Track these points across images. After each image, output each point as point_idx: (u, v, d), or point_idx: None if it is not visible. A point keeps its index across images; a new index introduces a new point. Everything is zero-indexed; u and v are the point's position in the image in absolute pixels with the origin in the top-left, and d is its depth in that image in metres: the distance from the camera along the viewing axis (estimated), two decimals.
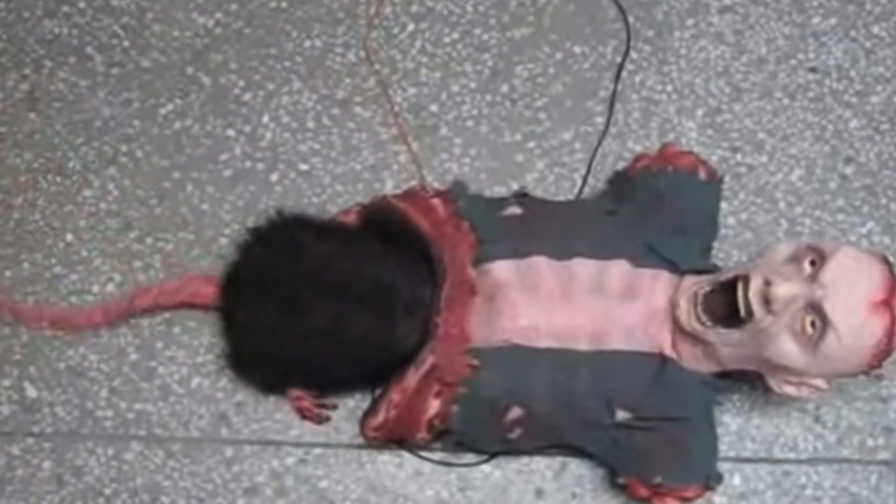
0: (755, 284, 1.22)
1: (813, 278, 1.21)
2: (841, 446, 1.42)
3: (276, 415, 1.44)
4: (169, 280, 1.45)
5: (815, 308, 1.20)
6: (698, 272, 1.33)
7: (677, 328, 1.29)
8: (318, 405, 1.42)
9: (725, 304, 1.25)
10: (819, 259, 1.22)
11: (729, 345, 1.26)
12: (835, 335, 1.20)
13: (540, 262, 1.31)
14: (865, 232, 1.48)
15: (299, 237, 1.36)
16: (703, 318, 1.25)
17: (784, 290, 1.19)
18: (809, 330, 1.21)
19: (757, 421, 1.42)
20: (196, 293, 1.42)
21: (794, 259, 1.24)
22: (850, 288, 1.20)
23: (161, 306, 1.44)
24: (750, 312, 1.22)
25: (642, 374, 1.30)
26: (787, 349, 1.23)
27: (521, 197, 1.41)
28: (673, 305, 1.29)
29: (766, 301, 1.20)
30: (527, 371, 1.29)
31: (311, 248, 1.34)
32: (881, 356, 1.23)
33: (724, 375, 1.33)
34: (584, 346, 1.29)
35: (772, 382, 1.30)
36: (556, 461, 1.42)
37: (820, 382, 1.28)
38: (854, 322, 1.20)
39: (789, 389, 1.29)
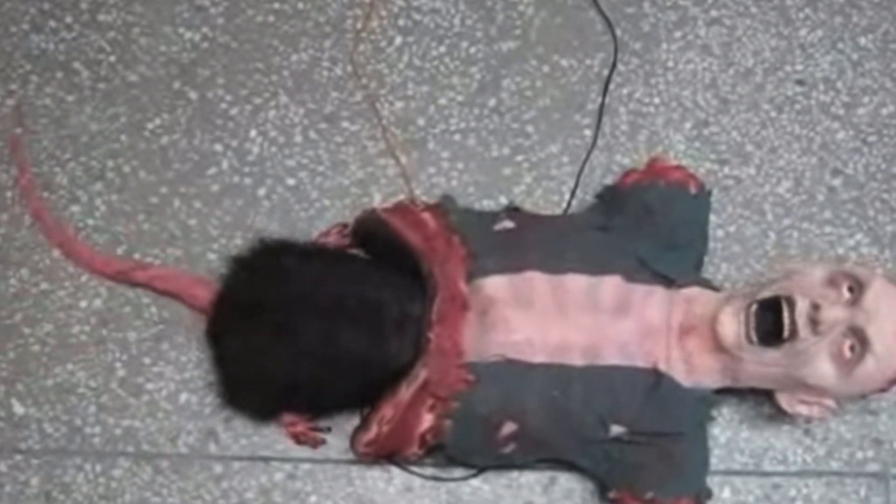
0: (802, 306, 1.24)
1: (854, 303, 1.24)
2: (830, 459, 1.42)
3: (265, 430, 1.43)
4: (169, 268, 1.46)
5: (857, 332, 1.23)
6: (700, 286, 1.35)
7: (707, 343, 1.30)
8: (312, 429, 1.41)
9: (763, 323, 1.27)
10: (856, 285, 1.25)
11: (761, 363, 1.27)
12: (874, 359, 1.24)
13: (534, 276, 1.31)
14: (853, 244, 1.48)
15: (283, 262, 1.36)
16: (753, 336, 1.26)
17: (833, 313, 1.23)
18: (848, 353, 1.25)
19: (746, 434, 1.42)
20: (189, 293, 1.43)
21: (832, 283, 1.27)
22: (887, 315, 1.24)
23: (154, 288, 1.45)
24: (794, 333, 1.24)
25: (637, 389, 1.30)
26: (824, 370, 1.25)
27: (513, 211, 1.41)
28: (707, 321, 1.29)
29: (813, 323, 1.23)
30: (521, 386, 1.29)
31: (295, 272, 1.34)
32: (893, 380, 1.27)
33: (717, 390, 1.33)
34: (578, 361, 1.29)
35: (783, 401, 1.32)
36: (546, 475, 1.41)
37: (831, 402, 1.30)
38: (889, 347, 1.24)
39: (802, 409, 1.32)
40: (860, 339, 1.24)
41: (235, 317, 1.36)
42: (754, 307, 1.27)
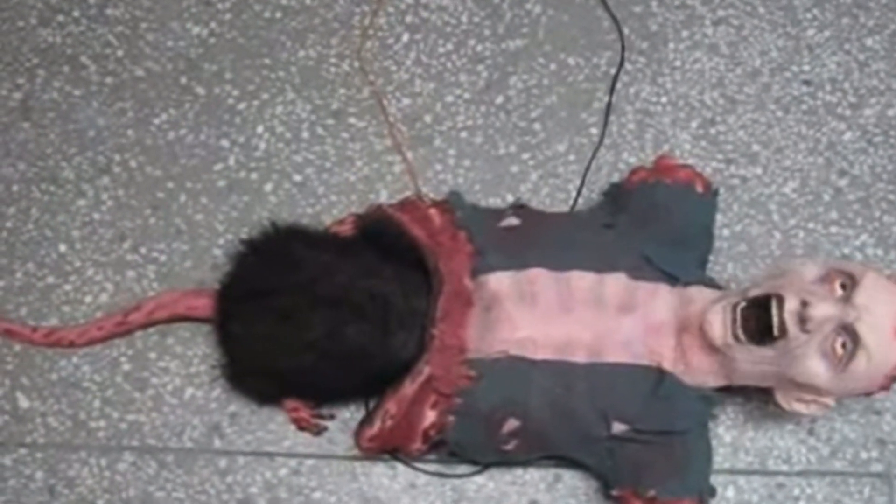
0: (791, 304, 1.22)
1: (846, 300, 1.23)
2: (834, 459, 1.42)
3: (270, 425, 1.43)
4: (162, 294, 1.44)
5: (848, 330, 1.22)
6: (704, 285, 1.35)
7: (701, 342, 1.30)
8: (314, 416, 1.41)
9: (754, 321, 1.26)
10: (849, 282, 1.24)
11: (754, 361, 1.27)
12: (865, 356, 1.22)
13: (538, 273, 1.31)
14: (859, 244, 1.49)
15: (294, 248, 1.36)
16: (740, 334, 1.26)
17: (821, 310, 1.21)
18: (840, 351, 1.23)
19: (751, 433, 1.42)
20: (190, 307, 1.42)
21: (825, 280, 1.26)
22: (881, 311, 1.22)
23: (155, 321, 1.44)
24: (784, 331, 1.23)
25: (639, 387, 1.30)
26: (816, 369, 1.24)
27: (519, 208, 1.41)
28: (699, 319, 1.29)
29: (802, 321, 1.22)
30: (524, 382, 1.29)
31: (305, 260, 1.34)
32: (893, 377, 1.26)
33: (721, 389, 1.33)
34: (581, 358, 1.29)
35: (780, 399, 1.31)
36: (550, 473, 1.42)
37: (828, 400, 1.29)
38: (883, 344, 1.22)
39: (798, 407, 1.31)
40: (851, 337, 1.22)
41: (242, 300, 1.36)
42: (742, 305, 1.26)
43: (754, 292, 1.27)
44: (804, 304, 1.21)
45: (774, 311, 1.23)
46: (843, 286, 1.25)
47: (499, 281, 1.32)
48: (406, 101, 1.55)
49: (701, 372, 1.31)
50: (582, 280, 1.31)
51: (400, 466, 1.42)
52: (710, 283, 1.36)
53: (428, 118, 1.54)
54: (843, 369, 1.23)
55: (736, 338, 1.25)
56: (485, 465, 1.41)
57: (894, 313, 1.23)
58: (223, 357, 1.39)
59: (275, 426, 1.43)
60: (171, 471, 1.43)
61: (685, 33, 1.57)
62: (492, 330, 1.30)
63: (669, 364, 1.30)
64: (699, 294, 1.33)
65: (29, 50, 1.58)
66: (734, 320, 1.26)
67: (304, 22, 1.58)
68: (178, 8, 1.59)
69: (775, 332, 1.23)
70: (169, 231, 1.50)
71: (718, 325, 1.26)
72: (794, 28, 1.57)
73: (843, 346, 1.23)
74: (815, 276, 1.27)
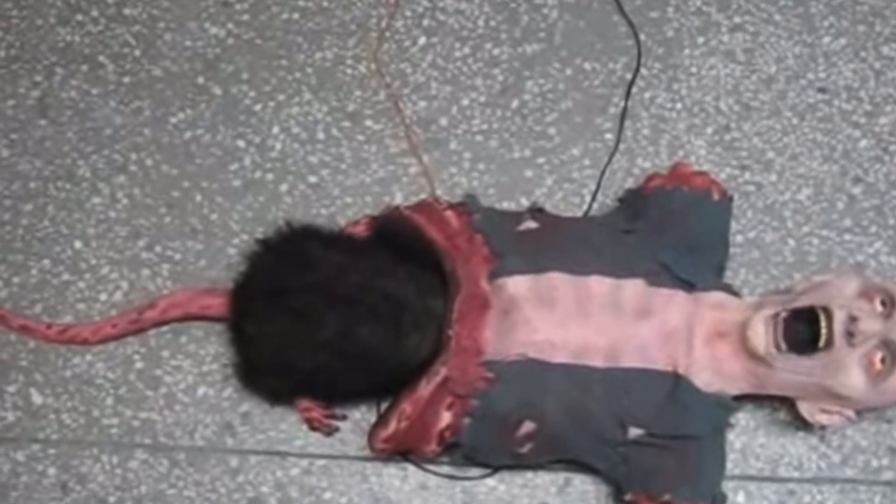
0: (840, 317, 1.26)
1: (887, 317, 1.27)
2: (845, 466, 1.42)
3: (282, 425, 1.44)
4: (176, 293, 1.45)
5: (889, 345, 1.26)
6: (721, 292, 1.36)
7: (737, 349, 1.31)
8: (327, 416, 1.42)
9: (798, 332, 1.29)
10: (888, 300, 1.29)
11: (793, 371, 1.29)
12: None
13: (557, 277, 1.31)
14: (873, 252, 1.48)
15: (309, 248, 1.36)
16: (782, 343, 1.28)
17: (870, 326, 1.25)
18: (878, 365, 1.27)
19: (762, 440, 1.42)
20: (204, 306, 1.42)
21: (866, 296, 1.29)
22: None
23: (169, 319, 1.45)
24: (830, 343, 1.26)
25: (655, 392, 1.30)
26: (855, 381, 1.27)
27: (537, 212, 1.41)
28: (739, 327, 1.31)
29: (850, 334, 1.25)
30: (541, 386, 1.29)
31: (320, 260, 1.35)
32: None
33: (738, 396, 1.34)
34: (598, 362, 1.29)
35: (804, 410, 1.34)
36: (561, 476, 1.42)
37: (851, 413, 1.32)
38: None
39: (822, 418, 1.33)
40: (891, 352, 1.26)
41: (257, 299, 1.36)
42: (783, 315, 1.29)
43: (798, 303, 1.29)
44: (853, 318, 1.25)
45: (823, 323, 1.27)
46: (882, 303, 1.29)
47: (517, 284, 1.32)
48: (422, 103, 1.55)
49: (732, 378, 1.32)
50: (600, 285, 1.32)
51: (411, 468, 1.42)
52: (727, 290, 1.37)
53: (443, 121, 1.55)
54: (880, 383, 1.28)
55: (778, 347, 1.27)
56: (496, 468, 1.41)
57: None
58: (236, 356, 1.40)
59: (286, 426, 1.44)
60: (182, 469, 1.43)
61: (701, 39, 1.57)
62: (510, 333, 1.30)
63: (684, 370, 1.31)
64: (728, 302, 1.34)
65: (47, 48, 1.58)
66: (776, 329, 1.28)
67: (321, 24, 1.59)
68: (196, 8, 1.60)
69: (821, 343, 1.26)
70: (184, 230, 1.51)
71: (763, 333, 1.29)
72: (811, 36, 1.57)
73: (883, 360, 1.27)
74: (854, 291, 1.30)
